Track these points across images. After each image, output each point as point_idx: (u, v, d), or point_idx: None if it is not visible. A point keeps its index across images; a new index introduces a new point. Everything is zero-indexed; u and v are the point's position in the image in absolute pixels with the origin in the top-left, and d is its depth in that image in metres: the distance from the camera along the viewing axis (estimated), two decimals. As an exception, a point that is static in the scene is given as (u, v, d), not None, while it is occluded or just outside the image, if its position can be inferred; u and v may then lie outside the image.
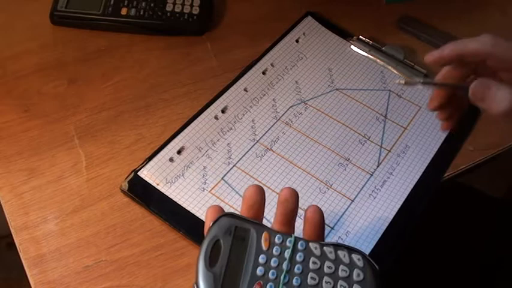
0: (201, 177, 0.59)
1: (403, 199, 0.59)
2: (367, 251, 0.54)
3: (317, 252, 0.41)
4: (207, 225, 0.43)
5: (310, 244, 0.42)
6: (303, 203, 0.58)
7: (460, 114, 0.54)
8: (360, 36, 0.72)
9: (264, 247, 0.41)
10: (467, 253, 0.75)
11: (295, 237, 0.42)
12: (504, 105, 0.47)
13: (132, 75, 0.67)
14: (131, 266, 0.53)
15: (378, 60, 0.70)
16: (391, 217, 0.57)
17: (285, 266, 0.40)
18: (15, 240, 0.54)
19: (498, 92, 0.47)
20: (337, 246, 0.42)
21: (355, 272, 0.41)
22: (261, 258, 0.40)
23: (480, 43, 0.49)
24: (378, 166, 0.61)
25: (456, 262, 0.74)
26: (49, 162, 0.59)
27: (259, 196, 0.44)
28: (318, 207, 0.44)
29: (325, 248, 0.42)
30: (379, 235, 0.56)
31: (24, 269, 0.53)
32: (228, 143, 0.61)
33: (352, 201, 0.59)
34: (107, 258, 0.54)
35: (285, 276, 0.40)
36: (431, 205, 0.63)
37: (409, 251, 0.61)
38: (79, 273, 0.53)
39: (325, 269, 0.41)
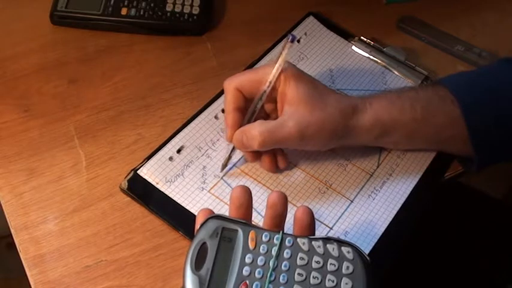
0: (200, 176, 0.59)
1: (402, 200, 0.59)
2: (366, 251, 0.54)
3: (305, 247, 0.41)
4: (197, 228, 0.43)
5: (298, 240, 0.42)
6: (302, 203, 0.58)
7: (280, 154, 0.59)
8: (362, 37, 0.72)
9: (251, 246, 0.41)
10: (467, 253, 0.75)
11: (283, 234, 0.42)
12: (257, 142, 0.54)
13: (132, 75, 0.67)
14: (131, 266, 0.53)
15: (379, 61, 0.70)
16: (390, 218, 0.57)
17: (271, 263, 0.41)
18: (15, 240, 0.54)
19: (248, 134, 0.54)
20: (326, 240, 0.42)
21: (344, 265, 0.41)
22: (248, 258, 0.41)
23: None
24: (377, 167, 0.61)
25: (456, 262, 0.74)
26: (49, 162, 0.59)
27: (246, 196, 0.45)
28: (308, 208, 0.44)
29: (313, 242, 0.42)
30: (378, 236, 0.56)
31: (24, 269, 0.53)
32: (228, 143, 0.61)
33: (352, 201, 0.59)
34: (107, 258, 0.54)
35: (271, 274, 0.40)
36: (432, 205, 0.63)
37: (408, 251, 0.61)
38: (79, 273, 0.53)
39: (313, 264, 0.41)
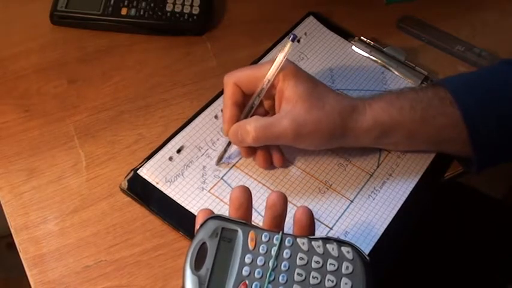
0: (200, 176, 0.59)
1: (402, 200, 0.59)
2: (366, 251, 0.54)
3: (304, 247, 0.41)
4: (196, 228, 0.43)
5: (298, 240, 0.42)
6: (302, 203, 0.58)
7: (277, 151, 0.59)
8: (362, 37, 0.72)
9: (250, 247, 0.41)
10: (467, 253, 0.75)
11: (283, 234, 0.42)
12: (251, 137, 0.54)
13: (132, 75, 0.67)
14: (131, 266, 0.54)
15: (379, 61, 0.70)
16: (390, 218, 0.57)
17: (271, 263, 0.41)
18: (15, 240, 0.54)
19: (243, 129, 0.54)
20: (326, 240, 0.42)
21: (344, 264, 0.41)
22: (247, 258, 0.41)
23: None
24: (377, 167, 0.61)
25: (456, 262, 0.74)
26: (49, 162, 0.59)
27: (245, 197, 0.45)
28: (307, 209, 0.44)
29: (313, 242, 0.42)
30: (378, 236, 0.56)
31: (24, 269, 0.53)
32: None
33: (352, 201, 0.59)
34: (107, 258, 0.54)
35: (270, 274, 0.40)
36: (432, 205, 0.63)
37: (408, 251, 0.61)
38: (79, 273, 0.53)
39: (313, 264, 0.41)
